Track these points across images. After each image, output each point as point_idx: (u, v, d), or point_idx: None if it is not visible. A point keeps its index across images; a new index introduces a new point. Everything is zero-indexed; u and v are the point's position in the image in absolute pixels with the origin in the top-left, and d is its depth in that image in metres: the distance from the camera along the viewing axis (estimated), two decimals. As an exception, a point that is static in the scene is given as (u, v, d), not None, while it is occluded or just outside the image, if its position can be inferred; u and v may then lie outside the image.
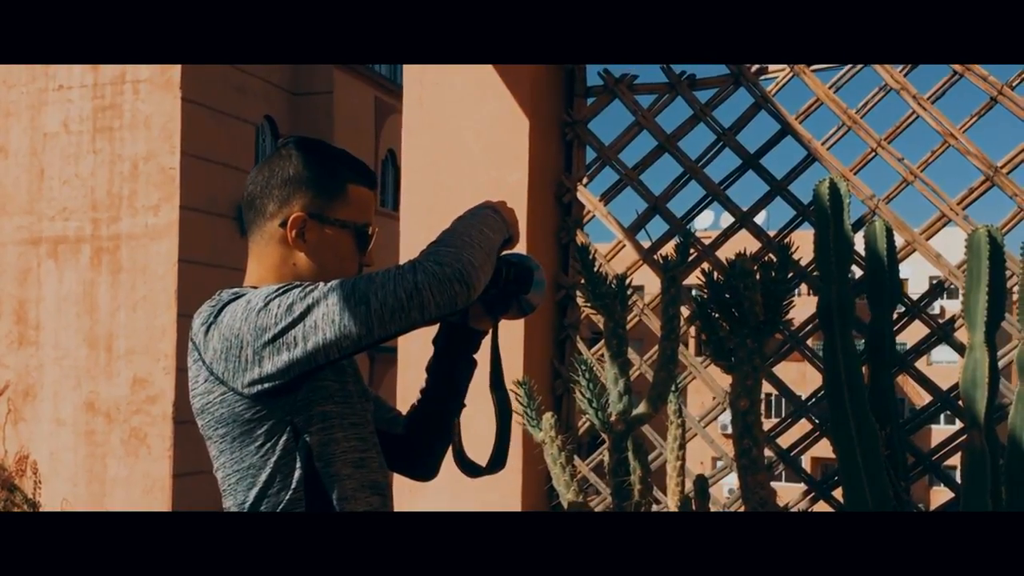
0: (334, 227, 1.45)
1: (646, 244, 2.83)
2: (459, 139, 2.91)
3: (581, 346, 2.87)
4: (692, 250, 2.61)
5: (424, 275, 1.29)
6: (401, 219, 2.98)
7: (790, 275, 2.14)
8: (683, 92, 2.79)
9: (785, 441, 2.67)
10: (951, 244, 2.55)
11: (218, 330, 1.34)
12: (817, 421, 2.59)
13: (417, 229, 2.90)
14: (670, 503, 2.35)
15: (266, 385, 1.33)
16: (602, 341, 2.87)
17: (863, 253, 2.38)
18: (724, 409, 2.57)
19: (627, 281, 2.34)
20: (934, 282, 2.56)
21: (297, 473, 1.37)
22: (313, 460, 1.37)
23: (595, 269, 2.25)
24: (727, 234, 2.79)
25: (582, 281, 2.91)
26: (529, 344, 2.78)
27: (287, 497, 1.37)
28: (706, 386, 2.75)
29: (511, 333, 2.81)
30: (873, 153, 2.59)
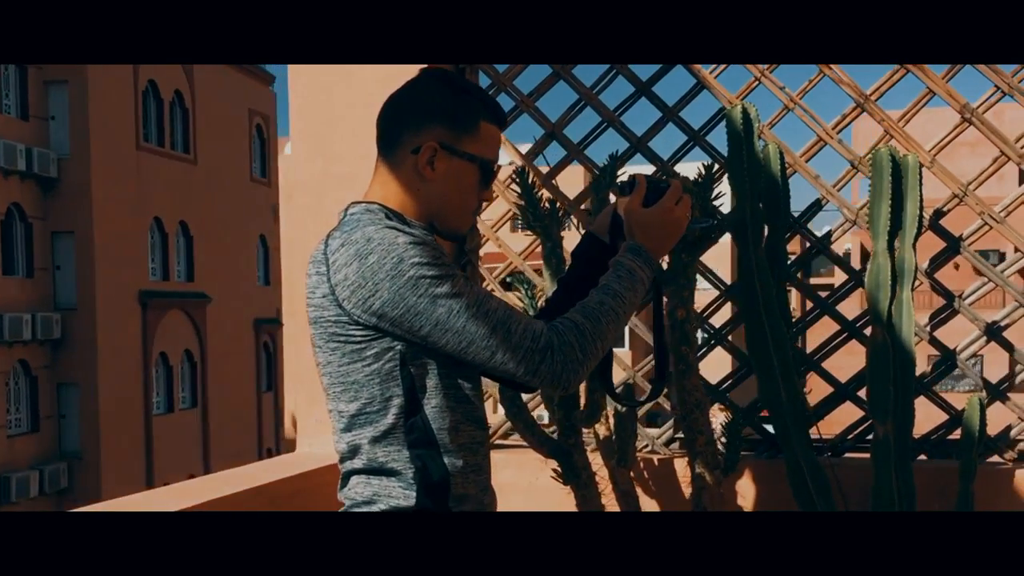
0: (463, 160, 1.51)
1: (544, 170, 2.90)
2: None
3: (484, 271, 2.92)
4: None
5: (550, 364, 1.42)
6: (292, 145, 2.90)
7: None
8: (577, 21, 2.87)
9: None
10: (826, 165, 2.80)
11: (359, 264, 1.39)
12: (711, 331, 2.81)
13: (311, 156, 2.84)
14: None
15: (380, 328, 1.42)
16: (501, 267, 2.95)
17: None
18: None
19: (558, 205, 2.43)
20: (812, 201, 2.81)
21: (398, 400, 1.43)
22: (416, 391, 1.44)
23: (533, 193, 2.32)
24: (622, 160, 2.92)
25: (513, 210, 2.95)
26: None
27: (387, 421, 1.44)
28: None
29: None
30: (757, 82, 2.78)
